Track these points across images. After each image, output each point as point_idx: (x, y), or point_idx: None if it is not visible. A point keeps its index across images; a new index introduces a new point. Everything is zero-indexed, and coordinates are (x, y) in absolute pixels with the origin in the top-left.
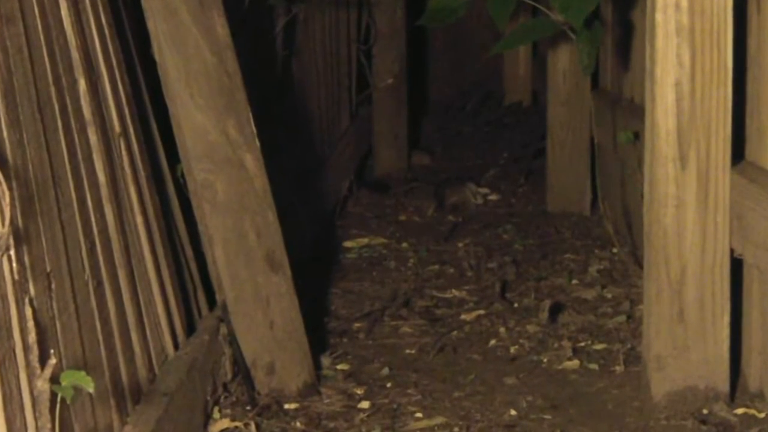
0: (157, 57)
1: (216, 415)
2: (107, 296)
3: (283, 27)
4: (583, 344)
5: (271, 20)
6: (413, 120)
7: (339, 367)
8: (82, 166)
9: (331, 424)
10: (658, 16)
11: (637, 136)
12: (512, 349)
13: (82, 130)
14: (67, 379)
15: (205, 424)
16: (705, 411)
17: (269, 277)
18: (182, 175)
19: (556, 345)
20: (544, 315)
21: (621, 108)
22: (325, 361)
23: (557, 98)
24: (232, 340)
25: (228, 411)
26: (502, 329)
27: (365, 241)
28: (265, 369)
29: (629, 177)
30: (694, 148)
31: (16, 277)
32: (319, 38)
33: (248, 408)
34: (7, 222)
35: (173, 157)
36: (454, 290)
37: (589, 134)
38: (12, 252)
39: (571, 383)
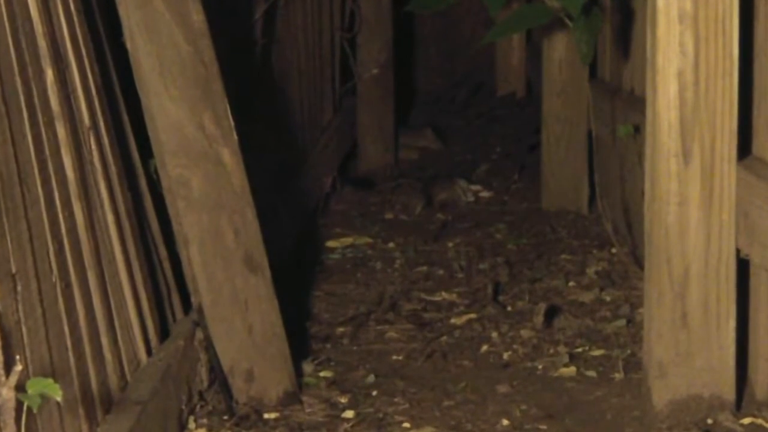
0: (129, 46)
1: (191, 425)
2: (76, 299)
3: (262, 14)
4: (580, 350)
5: (250, 7)
6: (400, 113)
7: (322, 374)
8: (49, 161)
9: None
10: (660, 2)
11: (638, 130)
12: (505, 356)
13: (50, 124)
14: (34, 386)
15: None
16: (709, 421)
17: (248, 279)
18: (155, 170)
19: (551, 351)
20: (539, 319)
21: (620, 99)
22: (307, 367)
23: (553, 89)
24: (209, 346)
25: (204, 421)
26: (494, 334)
27: (349, 240)
28: (244, 376)
29: (629, 173)
30: (698, 142)
31: None
32: (301, 26)
33: (225, 417)
34: None
35: (146, 152)
36: (443, 293)
37: (587, 127)
38: None
39: (568, 391)
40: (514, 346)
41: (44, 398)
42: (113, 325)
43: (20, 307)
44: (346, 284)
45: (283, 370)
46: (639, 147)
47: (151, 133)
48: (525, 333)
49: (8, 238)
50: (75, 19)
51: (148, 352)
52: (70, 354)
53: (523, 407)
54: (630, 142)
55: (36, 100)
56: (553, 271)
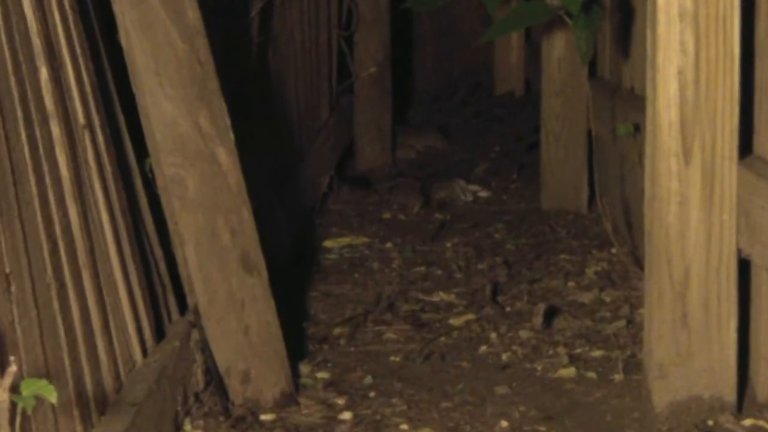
0: (123, 43)
1: (187, 426)
2: (71, 299)
3: (258, 12)
4: (579, 351)
5: (246, 4)
6: (398, 111)
7: (319, 375)
8: (43, 160)
9: None
10: (660, 0)
11: (638, 129)
12: (504, 357)
13: (44, 122)
14: (28, 388)
15: None
16: (710, 422)
17: (244, 280)
18: (151, 169)
19: (551, 352)
20: (538, 320)
21: (620, 98)
22: (304, 369)
23: (552, 88)
24: (205, 347)
25: (200, 422)
26: (493, 335)
27: (347, 240)
28: (240, 377)
29: (629, 172)
30: (698, 142)
31: None
32: (297, 24)
33: (221, 419)
34: None
35: (141, 151)
36: (441, 293)
37: (586, 126)
38: None
39: (567, 393)
40: (513, 347)
41: (38, 400)
42: (108, 325)
43: (14, 308)
44: (343, 284)
45: (279, 371)
46: (639, 146)
47: (146, 132)
48: (524, 334)
49: (2, 238)
50: (69, 17)
51: (144, 353)
52: (65, 355)
53: (522, 409)
54: (630, 141)
55: (30, 98)
56: (553, 271)
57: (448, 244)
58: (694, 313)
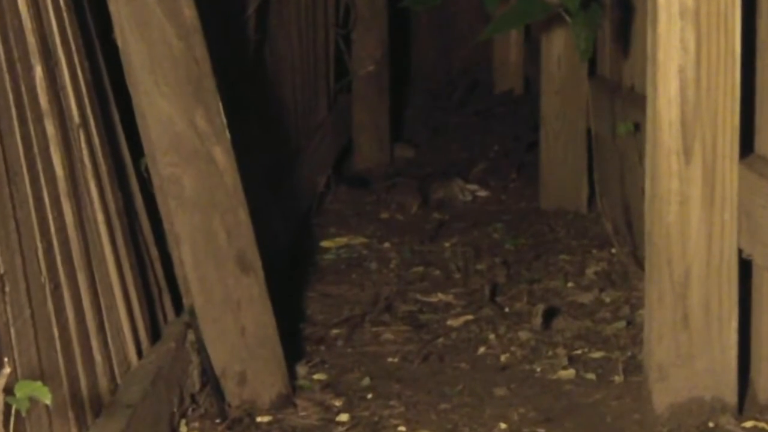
0: (119, 42)
1: (183, 428)
2: (65, 300)
3: (255, 10)
4: (579, 352)
5: (243, 2)
6: (396, 110)
7: (316, 376)
8: (38, 159)
9: None
10: None
11: (638, 128)
12: (503, 358)
13: (39, 121)
14: (23, 389)
15: None
16: (711, 424)
17: (240, 280)
18: (146, 169)
19: (550, 353)
20: (538, 320)
21: (620, 97)
22: (301, 370)
23: (551, 86)
24: (201, 348)
25: (196, 424)
26: (491, 336)
27: (344, 240)
28: (236, 379)
29: (629, 171)
30: (699, 141)
31: None
32: (294, 22)
33: (218, 421)
34: None
35: (137, 150)
36: (440, 294)
37: (586, 125)
38: None
39: (567, 394)
40: (512, 348)
41: (33, 401)
42: (103, 326)
43: (8, 309)
44: (340, 285)
45: (276, 372)
46: (639, 145)
47: (141, 131)
48: (523, 335)
49: None
50: (64, 14)
51: (139, 354)
52: (60, 356)
53: (521, 410)
54: (630, 140)
55: (25, 97)
56: (552, 271)
57: (447, 244)
58: (694, 314)
